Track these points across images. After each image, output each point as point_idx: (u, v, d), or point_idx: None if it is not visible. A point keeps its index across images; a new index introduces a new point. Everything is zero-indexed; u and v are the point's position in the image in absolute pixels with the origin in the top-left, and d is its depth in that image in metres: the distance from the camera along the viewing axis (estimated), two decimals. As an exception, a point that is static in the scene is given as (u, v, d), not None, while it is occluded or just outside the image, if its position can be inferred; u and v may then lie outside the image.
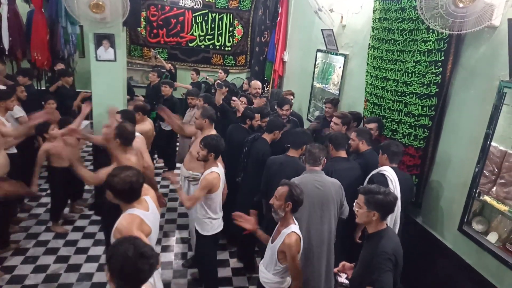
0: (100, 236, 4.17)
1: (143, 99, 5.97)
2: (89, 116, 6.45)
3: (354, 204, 2.23)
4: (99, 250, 3.96)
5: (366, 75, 4.12)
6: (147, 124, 4.22)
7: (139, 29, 8.04)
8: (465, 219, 2.86)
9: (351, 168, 3.18)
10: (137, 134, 3.56)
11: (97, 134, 4.65)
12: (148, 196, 2.38)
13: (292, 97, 5.33)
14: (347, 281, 2.32)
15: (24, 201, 4.77)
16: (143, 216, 2.21)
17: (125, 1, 4.01)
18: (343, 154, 3.23)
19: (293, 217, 2.42)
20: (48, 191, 5.04)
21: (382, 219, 2.13)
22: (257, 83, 5.22)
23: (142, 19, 7.91)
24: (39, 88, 6.61)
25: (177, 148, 6.12)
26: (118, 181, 2.13)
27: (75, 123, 3.90)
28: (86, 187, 5.29)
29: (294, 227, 2.35)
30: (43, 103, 4.92)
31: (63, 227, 4.34)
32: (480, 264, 2.73)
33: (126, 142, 3.01)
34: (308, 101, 6.25)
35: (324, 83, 5.80)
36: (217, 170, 2.99)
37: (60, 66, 6.10)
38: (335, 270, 2.44)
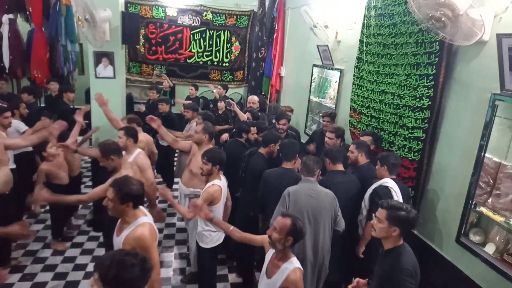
0: (98, 252, 4.15)
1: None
2: (87, 132, 6.52)
3: (373, 218, 2.16)
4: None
5: (359, 89, 4.20)
6: (140, 136, 4.20)
7: (137, 46, 8.15)
8: (462, 230, 2.87)
9: (348, 182, 3.21)
10: (139, 150, 3.60)
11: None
12: None
13: (291, 113, 5.31)
14: None
15: (23, 218, 4.76)
16: (151, 222, 2.32)
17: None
18: (340, 167, 3.27)
19: (292, 249, 2.27)
20: (47, 208, 5.05)
21: (401, 235, 2.11)
22: (253, 98, 5.30)
23: (141, 37, 8.03)
24: (39, 105, 6.67)
25: (175, 163, 6.14)
26: (134, 188, 2.20)
27: (70, 138, 3.93)
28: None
29: (296, 262, 2.20)
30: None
31: (63, 243, 4.32)
32: (478, 275, 2.73)
33: (118, 154, 3.06)
34: (306, 115, 6.32)
35: (321, 97, 5.88)
36: (219, 183, 3.02)
37: (53, 84, 6.05)
38: (349, 287, 2.35)
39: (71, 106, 6.19)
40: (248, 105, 5.19)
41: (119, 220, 2.36)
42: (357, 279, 2.34)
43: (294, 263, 2.19)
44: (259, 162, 3.50)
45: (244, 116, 4.37)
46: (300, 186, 2.89)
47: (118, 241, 2.28)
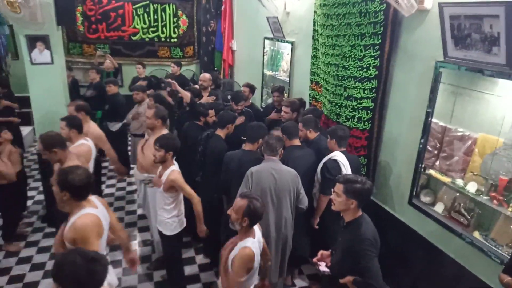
0: (56, 249, 3.97)
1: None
2: (31, 122, 6.08)
3: (325, 190, 2.23)
4: (56, 264, 3.76)
5: (314, 61, 4.20)
6: (92, 127, 3.94)
7: (76, 25, 7.55)
8: (414, 192, 3.05)
9: (305, 155, 3.26)
10: (82, 141, 3.39)
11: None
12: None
13: (248, 89, 4.97)
14: (327, 269, 2.37)
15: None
16: (99, 215, 2.22)
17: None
18: (296, 142, 3.30)
19: (254, 229, 2.27)
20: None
21: (359, 207, 2.20)
22: (204, 76, 5.14)
23: (78, 15, 7.44)
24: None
25: (129, 148, 5.93)
26: (75, 178, 2.09)
27: None
28: (36, 198, 5.03)
29: (250, 242, 2.19)
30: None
31: (17, 244, 4.07)
32: (430, 233, 2.94)
33: (61, 146, 2.89)
34: (261, 89, 6.28)
35: (274, 70, 5.85)
36: (177, 168, 2.97)
37: None
38: (314, 260, 2.46)
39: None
40: (200, 83, 5.05)
41: None
42: (321, 251, 2.45)
43: (247, 242, 2.19)
44: (219, 145, 3.44)
45: (187, 95, 4.24)
46: (262, 166, 2.90)
47: (65, 231, 2.19)
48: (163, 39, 8.31)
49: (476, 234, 2.56)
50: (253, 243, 2.20)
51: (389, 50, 3.09)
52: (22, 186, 4.35)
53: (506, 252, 2.33)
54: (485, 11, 2.17)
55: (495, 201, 2.41)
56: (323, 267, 2.37)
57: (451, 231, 2.70)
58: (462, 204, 2.71)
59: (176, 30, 8.34)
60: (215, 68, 7.93)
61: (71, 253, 1.55)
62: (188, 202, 3.24)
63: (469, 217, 2.64)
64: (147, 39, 8.19)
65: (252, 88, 4.99)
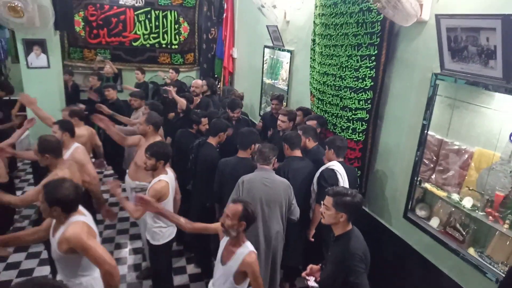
0: (46, 255, 3.90)
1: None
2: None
3: (321, 205, 2.22)
4: (45, 270, 3.70)
5: (311, 71, 4.17)
6: (81, 130, 3.87)
7: (78, 30, 7.58)
8: (409, 206, 2.99)
9: (306, 167, 3.21)
10: (77, 144, 3.36)
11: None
12: None
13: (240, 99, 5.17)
14: (316, 284, 2.31)
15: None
16: (87, 221, 2.19)
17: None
18: (298, 153, 3.24)
19: (245, 235, 2.29)
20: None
21: (349, 220, 2.15)
22: (197, 82, 5.14)
23: (80, 19, 7.47)
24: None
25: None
26: (64, 192, 2.05)
27: (11, 138, 3.63)
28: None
29: (250, 246, 2.24)
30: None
31: (5, 248, 4.00)
32: (424, 248, 2.87)
33: (55, 153, 2.83)
34: (260, 97, 6.25)
35: (274, 79, 5.83)
36: (166, 178, 2.89)
37: None
38: (303, 274, 2.41)
39: (6, 98, 5.69)
40: (192, 89, 5.06)
41: (55, 220, 2.22)
42: (310, 265, 2.39)
43: (248, 247, 2.22)
44: (210, 153, 3.39)
45: (183, 102, 4.23)
46: (254, 175, 2.86)
47: (53, 242, 2.17)
48: (164, 46, 8.31)
49: (471, 250, 2.50)
50: (252, 246, 2.23)
51: (385, 61, 3.06)
52: (9, 189, 4.29)
53: (502, 270, 2.27)
54: (481, 24, 2.14)
55: (490, 217, 2.35)
56: (312, 282, 2.30)
57: (446, 246, 2.64)
58: (457, 220, 2.65)
59: (177, 36, 8.35)
60: (215, 75, 7.93)
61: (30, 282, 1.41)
62: (182, 207, 3.20)
63: (464, 233, 2.58)
64: (148, 45, 8.20)
65: (241, 97, 5.25)
